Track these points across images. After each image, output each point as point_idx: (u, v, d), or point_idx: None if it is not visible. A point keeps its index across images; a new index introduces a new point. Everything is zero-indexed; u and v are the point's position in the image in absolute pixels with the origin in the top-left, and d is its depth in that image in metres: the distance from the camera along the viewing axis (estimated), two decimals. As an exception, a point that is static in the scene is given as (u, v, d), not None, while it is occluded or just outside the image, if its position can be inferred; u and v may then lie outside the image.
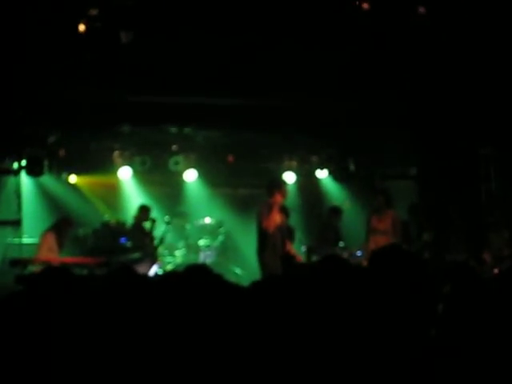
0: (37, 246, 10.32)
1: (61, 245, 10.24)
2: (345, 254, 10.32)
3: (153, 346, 3.24)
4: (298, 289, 3.47)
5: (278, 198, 9.05)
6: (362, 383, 2.93)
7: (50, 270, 4.31)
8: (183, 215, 12.90)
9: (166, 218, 11.15)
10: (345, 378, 2.95)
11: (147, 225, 11.27)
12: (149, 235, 11.15)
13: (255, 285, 3.65)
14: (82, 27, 8.84)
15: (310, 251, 10.47)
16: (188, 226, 12.87)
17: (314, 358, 3.03)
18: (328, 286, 3.39)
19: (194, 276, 3.67)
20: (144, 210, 11.40)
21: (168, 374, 3.14)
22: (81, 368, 3.29)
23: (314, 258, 10.09)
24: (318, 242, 10.76)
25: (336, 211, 11.45)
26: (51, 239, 10.17)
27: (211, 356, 3.17)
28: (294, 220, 11.03)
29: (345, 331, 3.11)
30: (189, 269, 3.74)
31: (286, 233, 9.33)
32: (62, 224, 10.45)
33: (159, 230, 11.12)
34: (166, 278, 3.88)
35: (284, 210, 9.29)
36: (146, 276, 4.19)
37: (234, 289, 3.70)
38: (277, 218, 9.07)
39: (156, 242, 11.10)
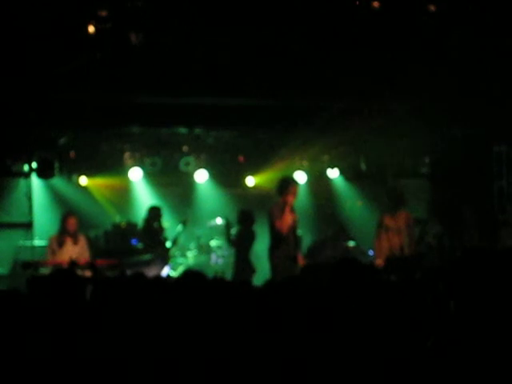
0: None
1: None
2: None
3: (159, 348, 3.22)
4: (311, 290, 3.44)
5: (290, 198, 9.00)
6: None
7: (58, 272, 4.31)
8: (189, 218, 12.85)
9: (182, 217, 11.11)
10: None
11: (158, 225, 11.26)
12: (160, 236, 11.14)
13: (267, 285, 3.63)
14: (91, 28, 8.82)
15: None
16: (197, 228, 12.87)
17: (320, 360, 3.00)
18: (339, 288, 3.36)
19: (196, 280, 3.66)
20: (154, 211, 11.37)
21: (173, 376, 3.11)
22: (87, 371, 3.27)
23: None
24: None
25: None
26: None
27: (221, 358, 3.14)
28: (305, 220, 11.00)
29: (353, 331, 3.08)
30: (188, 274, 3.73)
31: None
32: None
33: (172, 231, 11.11)
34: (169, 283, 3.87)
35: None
36: (155, 279, 4.16)
37: (244, 289, 3.67)
38: (289, 218, 9.04)
39: (170, 242, 11.09)
